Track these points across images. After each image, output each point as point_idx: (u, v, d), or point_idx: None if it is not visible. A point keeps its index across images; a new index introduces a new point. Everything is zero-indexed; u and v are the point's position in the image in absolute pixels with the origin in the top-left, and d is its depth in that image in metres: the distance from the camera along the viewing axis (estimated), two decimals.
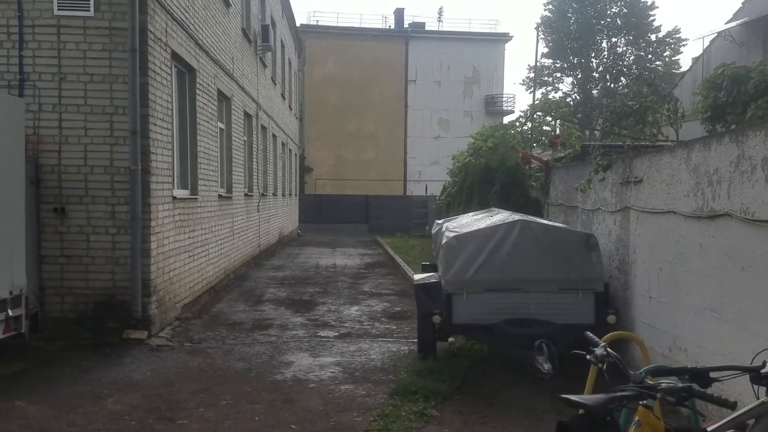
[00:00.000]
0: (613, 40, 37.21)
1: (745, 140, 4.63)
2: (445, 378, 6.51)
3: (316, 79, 38.63)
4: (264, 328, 9.10)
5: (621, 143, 7.93)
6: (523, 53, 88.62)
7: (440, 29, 42.64)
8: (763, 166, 4.41)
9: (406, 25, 41.70)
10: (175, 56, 9.24)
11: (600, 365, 2.96)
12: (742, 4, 13.46)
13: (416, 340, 7.75)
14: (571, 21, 36.87)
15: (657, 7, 36.91)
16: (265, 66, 18.23)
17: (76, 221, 7.96)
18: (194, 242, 10.27)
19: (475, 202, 13.04)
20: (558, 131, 20.60)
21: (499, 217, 8.01)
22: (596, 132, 16.56)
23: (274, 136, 20.63)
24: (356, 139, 39.27)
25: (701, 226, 5.28)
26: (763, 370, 2.83)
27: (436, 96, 40.58)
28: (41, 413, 5.52)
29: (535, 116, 15.93)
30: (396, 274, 15.39)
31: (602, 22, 36.73)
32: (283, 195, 23.51)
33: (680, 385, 2.59)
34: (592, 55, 37.29)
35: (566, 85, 39.15)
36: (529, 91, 42.28)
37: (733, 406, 2.57)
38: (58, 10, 7.71)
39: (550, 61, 38.55)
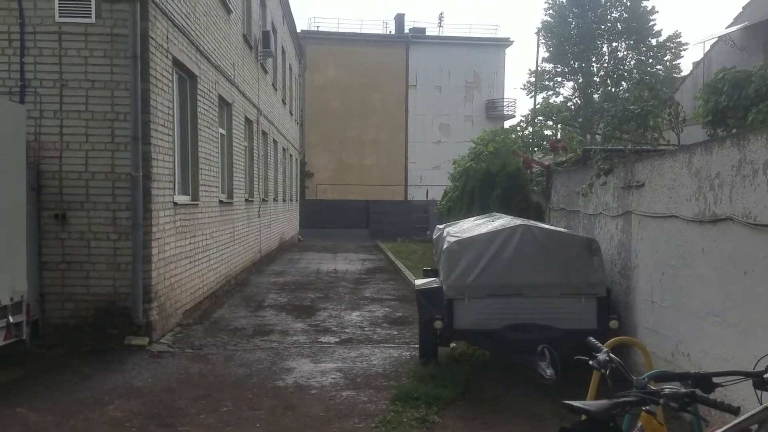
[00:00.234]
0: (614, 44, 37.28)
1: (747, 144, 4.63)
2: (447, 384, 6.48)
3: (316, 85, 38.69)
4: (265, 333, 9.08)
5: (622, 147, 7.93)
6: (524, 58, 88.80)
7: (441, 34, 42.76)
8: (765, 170, 4.40)
9: (406, 31, 41.81)
10: (177, 62, 9.26)
11: (603, 371, 2.94)
12: (743, 8, 13.47)
13: (418, 346, 7.73)
14: (572, 26, 36.95)
15: (657, 12, 37.13)
16: (266, 72, 18.26)
17: (77, 227, 7.96)
18: (195, 248, 10.27)
19: (477, 206, 13.03)
20: (559, 135, 20.63)
21: (501, 222, 8.00)
22: (597, 136, 16.56)
23: (275, 141, 20.65)
24: (357, 144, 39.32)
25: (703, 230, 5.27)
26: (766, 375, 2.81)
27: (437, 101, 40.63)
28: (42, 420, 5.50)
29: (536, 121, 15.92)
30: (397, 279, 15.37)
31: (603, 26, 36.81)
32: (284, 200, 23.52)
33: (683, 390, 2.58)
34: (593, 59, 37.36)
35: (567, 89, 39.24)
36: (530, 95, 42.24)
37: (736, 411, 2.55)
38: (60, 16, 7.73)
39: (551, 65, 38.62)
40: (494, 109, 41.34)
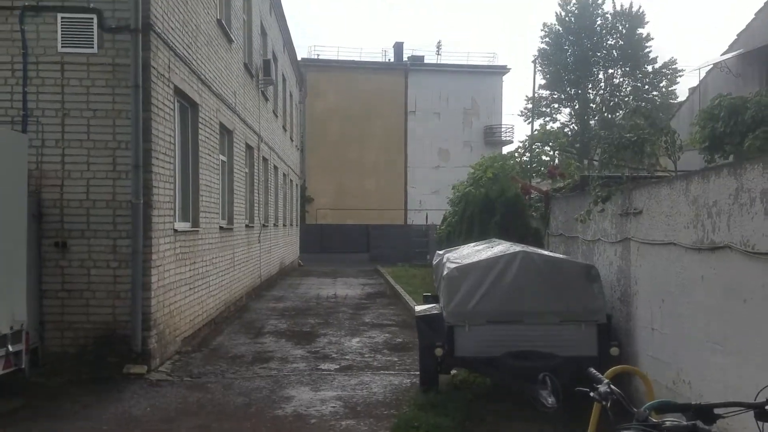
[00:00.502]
0: (610, 71, 37.70)
1: (744, 173, 4.67)
2: (447, 412, 6.44)
3: (317, 111, 39.00)
4: (264, 361, 9.04)
5: (620, 174, 7.98)
6: (521, 84, 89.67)
7: (439, 62, 43.22)
8: (762, 198, 4.43)
9: (405, 59, 42.29)
10: (178, 91, 9.35)
11: (604, 403, 2.94)
12: (737, 35, 13.64)
13: (418, 373, 7.69)
14: (568, 53, 37.43)
15: (652, 39, 37.60)
16: (266, 99, 18.42)
17: (78, 255, 7.97)
18: (195, 275, 10.26)
19: (476, 231, 13.06)
20: (557, 161, 20.69)
21: (500, 248, 8.02)
22: (594, 162, 16.63)
23: (275, 167, 20.74)
24: (357, 169, 39.48)
25: (702, 258, 5.28)
26: (767, 406, 2.80)
27: (436, 127, 40.93)
28: None
29: (533, 147, 16.00)
30: (397, 304, 15.33)
31: (598, 54, 37.28)
32: (284, 225, 23.55)
33: (685, 423, 2.57)
34: (589, 86, 37.76)
35: (564, 115, 39.59)
36: (527, 121, 42.59)
37: None
38: (62, 47, 7.83)
39: (548, 92, 39.01)
40: (492, 135, 41.62)
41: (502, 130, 42.06)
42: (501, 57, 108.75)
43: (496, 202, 12.77)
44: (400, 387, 7.67)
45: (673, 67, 37.17)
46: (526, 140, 19.51)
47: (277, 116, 21.20)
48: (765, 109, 8.96)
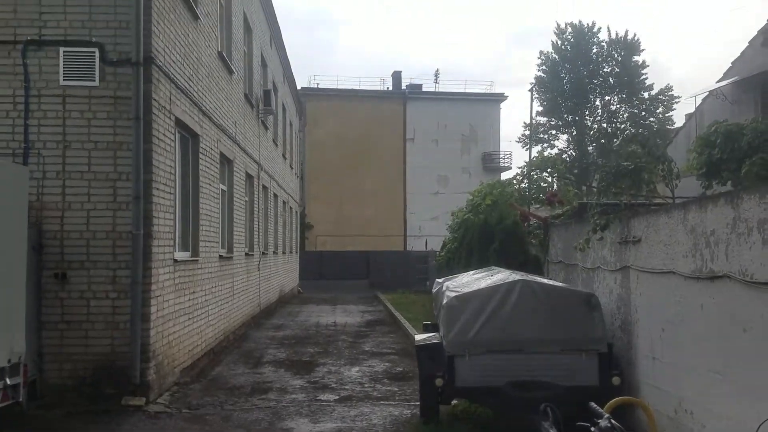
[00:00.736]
0: (607, 98, 38.08)
1: (740, 203, 4.70)
2: None
3: (316, 139, 39.25)
4: (263, 392, 8.97)
5: (618, 201, 8.02)
6: (519, 110, 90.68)
7: (437, 90, 43.63)
8: (760, 228, 4.46)
9: (403, 87, 42.70)
10: (179, 123, 9.43)
11: None
12: (732, 63, 13.83)
13: (418, 403, 7.63)
14: (565, 81, 37.86)
15: (648, 66, 37.99)
16: (266, 128, 18.56)
17: (77, 286, 7.96)
18: (194, 304, 10.24)
19: (475, 259, 13.06)
20: (555, 186, 20.77)
21: (500, 276, 8.02)
22: (593, 188, 16.71)
23: (275, 195, 20.82)
24: (356, 195, 39.59)
25: (701, 286, 5.29)
26: None
27: (435, 153, 41.14)
28: None
29: (532, 174, 16.11)
30: (397, 332, 15.26)
31: (595, 81, 37.70)
32: (284, 253, 23.54)
33: None
34: (587, 113, 38.10)
35: (562, 141, 39.86)
36: (525, 148, 42.88)
37: None
38: (64, 80, 7.92)
39: (545, 119, 39.35)
40: (491, 162, 41.83)
41: (501, 156, 42.31)
42: (498, 84, 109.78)
43: (495, 229, 12.80)
44: (400, 418, 7.60)
45: (670, 93, 37.57)
46: (524, 166, 19.65)
47: (277, 145, 21.34)
48: (761, 135, 9.04)
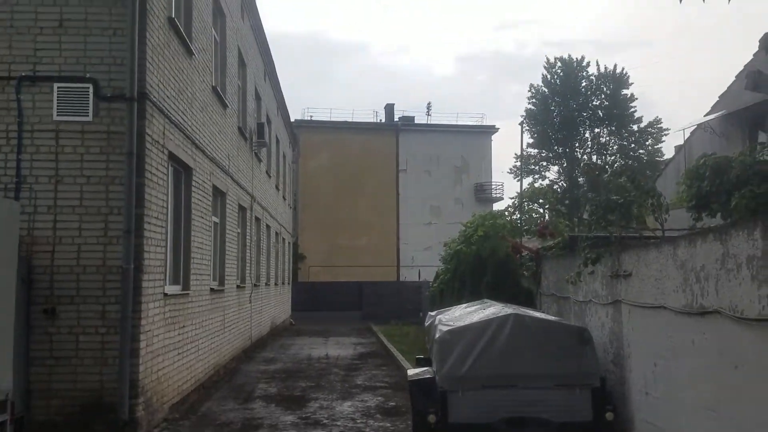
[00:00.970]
0: (596, 130, 38.55)
1: (729, 239, 4.75)
2: None
3: (310, 170, 39.39)
4: (253, 428, 8.84)
5: (608, 234, 8.07)
6: (510, 141, 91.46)
7: (429, 122, 44.05)
8: (748, 264, 4.50)
9: (396, 119, 43.09)
10: (172, 157, 9.47)
11: None
12: (719, 97, 14.06)
13: None
14: (555, 113, 38.35)
15: (637, 99, 38.53)
16: (260, 160, 18.64)
17: (67, 321, 7.89)
18: (184, 339, 10.14)
19: (468, 290, 13.08)
20: (546, 217, 20.90)
21: (492, 309, 8.02)
22: (584, 219, 16.84)
23: (267, 226, 20.80)
24: (349, 226, 39.59)
25: (692, 322, 5.31)
26: None
27: (427, 184, 41.35)
28: None
29: (523, 206, 16.22)
30: (390, 364, 15.12)
31: (584, 114, 38.20)
32: (276, 284, 23.43)
33: None
34: (576, 144, 38.53)
35: (552, 173, 40.18)
36: (516, 179, 43.19)
37: None
38: (58, 115, 7.95)
39: (536, 150, 39.74)
40: (483, 192, 42.06)
41: (492, 187, 42.56)
42: (489, 116, 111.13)
43: (487, 261, 12.83)
44: None
45: (658, 126, 38.07)
46: (516, 197, 19.78)
47: (270, 176, 21.40)
48: (749, 168, 9.15)
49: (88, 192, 7.98)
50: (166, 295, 9.12)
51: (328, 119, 41.80)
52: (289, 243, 29.18)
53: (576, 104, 38.02)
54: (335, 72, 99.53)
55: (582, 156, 38.51)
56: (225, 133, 13.47)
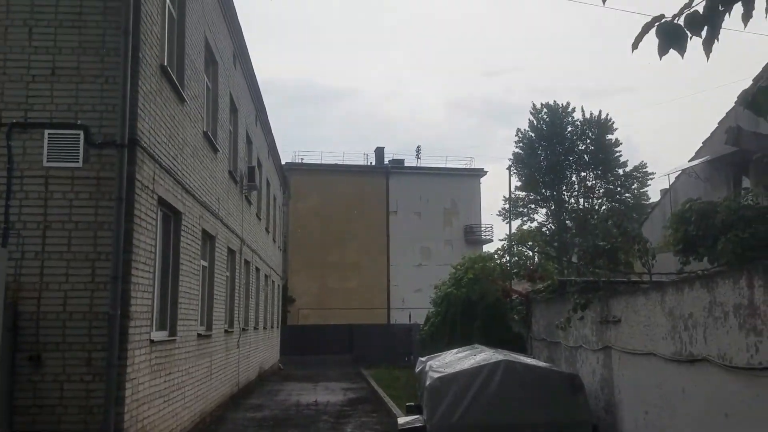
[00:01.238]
0: (582, 174, 39.15)
1: (716, 287, 4.79)
2: None
3: (300, 212, 39.46)
4: None
5: (596, 279, 8.10)
6: (499, 183, 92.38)
7: (419, 165, 44.48)
8: (735, 313, 4.52)
9: (386, 162, 43.50)
10: (162, 201, 9.47)
11: None
12: (703, 143, 14.27)
13: None
14: (541, 157, 38.98)
15: (621, 144, 39.32)
16: (250, 203, 18.66)
17: (52, 369, 7.74)
18: (170, 386, 9.97)
19: (459, 335, 13.00)
20: (536, 259, 20.98)
21: (483, 355, 7.97)
22: (573, 262, 16.94)
23: (257, 269, 20.70)
24: (339, 268, 39.48)
25: (682, 369, 5.31)
26: None
27: (417, 226, 41.49)
28: None
29: (512, 249, 16.32)
30: (380, 411, 14.89)
31: (571, 158, 38.83)
32: (265, 328, 23.18)
33: None
34: (564, 188, 39.04)
35: (541, 215, 40.58)
36: (505, 221, 43.53)
37: None
38: (48, 161, 7.95)
39: (524, 193, 40.18)
40: (472, 234, 42.24)
41: (482, 229, 42.77)
42: (478, 159, 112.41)
43: (478, 305, 12.81)
44: None
45: (644, 170, 38.74)
46: (505, 241, 19.88)
47: (260, 219, 21.40)
48: (734, 213, 9.28)
49: (76, 237, 7.94)
50: (152, 341, 8.99)
51: (319, 162, 42.15)
52: (278, 285, 29.00)
53: (562, 149, 38.72)
54: (326, 116, 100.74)
55: (569, 199, 38.96)
56: (215, 177, 13.52)
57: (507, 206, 38.03)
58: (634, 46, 3.08)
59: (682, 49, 2.93)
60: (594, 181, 39.22)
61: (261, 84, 19.71)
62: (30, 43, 8.14)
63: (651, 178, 38.64)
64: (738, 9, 2.84)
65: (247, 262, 18.41)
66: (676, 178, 15.44)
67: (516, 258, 19.56)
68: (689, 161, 14.47)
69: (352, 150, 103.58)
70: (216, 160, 13.55)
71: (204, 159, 12.36)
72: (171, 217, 10.36)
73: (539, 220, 40.23)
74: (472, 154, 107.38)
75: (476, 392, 6.83)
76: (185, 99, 10.62)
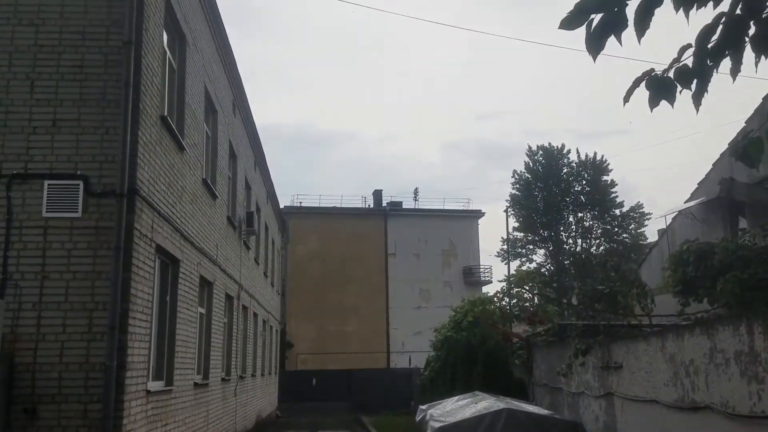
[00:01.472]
0: (579, 215, 39.33)
1: (716, 333, 4.77)
2: None
3: (298, 255, 39.38)
4: None
5: (597, 323, 8.07)
6: (497, 224, 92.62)
7: (416, 207, 44.65)
8: (737, 359, 4.50)
9: (384, 204, 43.66)
10: (160, 249, 9.47)
11: None
12: (698, 184, 14.40)
13: None
14: (538, 199, 39.25)
15: (617, 185, 39.64)
16: (248, 248, 18.65)
17: (47, 422, 7.60)
18: None
19: (459, 381, 12.86)
20: (536, 301, 20.90)
21: (484, 404, 7.87)
22: (572, 303, 16.90)
23: (255, 314, 20.55)
24: (338, 311, 39.21)
25: (684, 417, 5.24)
26: None
27: (416, 268, 41.38)
28: None
29: (512, 292, 16.28)
30: None
31: (567, 199, 39.09)
32: (262, 375, 22.87)
33: None
34: (561, 228, 39.17)
35: (539, 256, 40.58)
36: (504, 262, 43.52)
37: None
38: (47, 212, 7.97)
39: (522, 234, 40.27)
40: (471, 276, 42.10)
41: (481, 270, 42.65)
42: (475, 201, 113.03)
43: (478, 350, 12.71)
44: None
45: (640, 211, 38.96)
46: (505, 279, 19.84)
47: (258, 264, 21.35)
48: (731, 254, 9.30)
49: (73, 288, 7.91)
50: (148, 392, 8.87)
51: (317, 205, 42.27)
52: (276, 330, 28.73)
53: (558, 190, 38.99)
54: (324, 159, 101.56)
55: (567, 240, 39.06)
56: (214, 223, 13.55)
57: (505, 247, 38.05)
58: (626, 99, 3.15)
59: (672, 100, 2.99)
60: (591, 222, 39.37)
61: (260, 128, 19.95)
62: (32, 96, 8.26)
63: (648, 219, 38.88)
64: (726, 62, 2.92)
65: (245, 308, 18.29)
66: (672, 219, 15.51)
67: (515, 300, 19.50)
68: (685, 202, 14.57)
69: (350, 193, 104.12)
70: (215, 206, 13.60)
71: (203, 205, 12.40)
72: (169, 264, 10.34)
73: (538, 261, 40.27)
74: (469, 195, 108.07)
75: None
76: (185, 147, 10.72)
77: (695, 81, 2.95)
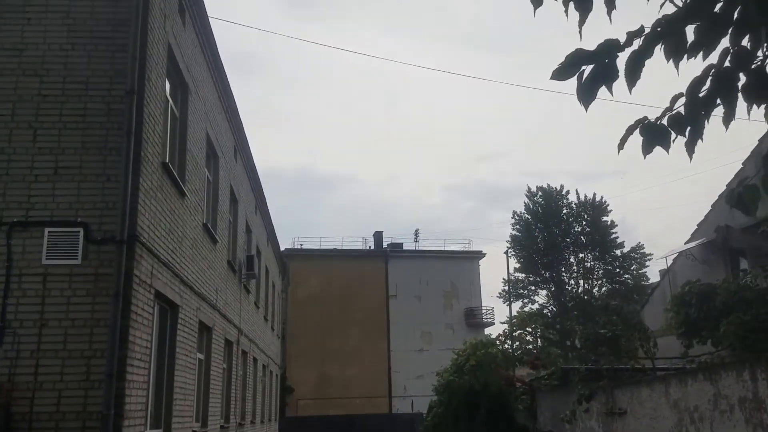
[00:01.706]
0: (580, 255, 39.27)
1: (719, 379, 4.71)
2: None
3: (299, 298, 39.16)
4: None
5: (600, 367, 7.98)
6: (498, 264, 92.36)
7: (417, 248, 44.62)
8: (741, 406, 4.43)
9: (385, 246, 43.63)
10: (159, 295, 9.43)
11: None
12: (698, 225, 14.47)
13: None
14: (539, 239, 39.23)
15: (617, 225, 39.71)
16: (248, 292, 18.57)
17: None
18: None
19: (462, 426, 12.65)
20: (538, 342, 20.71)
21: None
22: (575, 345, 16.73)
23: (254, 359, 20.32)
24: (339, 355, 38.78)
25: None
26: None
27: (418, 310, 41.08)
28: None
29: (514, 334, 16.14)
30: None
31: (567, 239, 39.10)
32: (262, 421, 22.49)
33: None
34: (562, 269, 39.06)
35: (541, 297, 40.37)
36: (506, 303, 43.27)
37: None
38: (47, 259, 7.97)
39: (523, 275, 40.13)
40: (473, 317, 41.78)
41: (483, 312, 42.35)
42: (475, 242, 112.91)
43: (481, 394, 12.52)
44: None
45: (641, 251, 38.94)
46: (507, 321, 19.72)
47: (258, 307, 21.22)
48: (734, 295, 9.25)
49: (72, 335, 7.85)
50: None
51: (318, 247, 42.27)
52: (276, 375, 28.37)
53: (558, 230, 39.03)
54: (325, 201, 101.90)
55: (569, 280, 38.91)
56: (214, 267, 13.53)
57: (507, 288, 37.86)
58: (620, 146, 3.17)
59: (666, 146, 3.00)
60: (593, 263, 39.29)
61: (260, 171, 20.11)
62: (34, 144, 8.35)
63: (649, 259, 38.82)
64: (719, 109, 2.95)
65: (244, 353, 18.11)
66: (673, 260, 15.51)
67: (518, 342, 19.32)
68: (685, 243, 14.60)
69: (350, 235, 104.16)
70: (215, 250, 13.60)
71: (203, 250, 12.41)
72: (168, 310, 10.28)
73: (540, 302, 40.02)
74: (470, 236, 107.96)
75: None
76: (186, 193, 10.79)
77: (688, 129, 2.98)
